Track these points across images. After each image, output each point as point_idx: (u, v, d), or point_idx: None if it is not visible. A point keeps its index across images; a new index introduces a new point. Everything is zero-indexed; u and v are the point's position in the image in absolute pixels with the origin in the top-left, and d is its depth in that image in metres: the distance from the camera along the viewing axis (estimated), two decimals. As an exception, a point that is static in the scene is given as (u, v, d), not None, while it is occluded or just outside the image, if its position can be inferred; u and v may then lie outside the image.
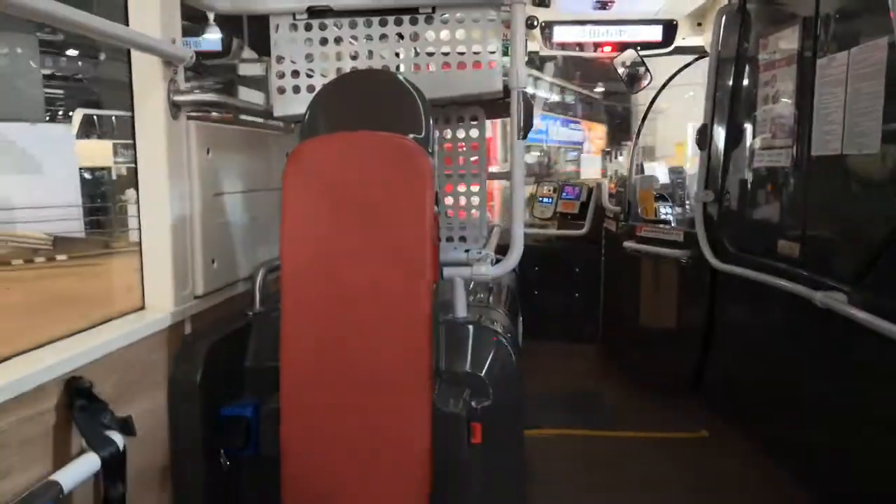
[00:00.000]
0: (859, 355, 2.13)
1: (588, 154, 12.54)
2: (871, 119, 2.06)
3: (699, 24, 4.04)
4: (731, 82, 3.19)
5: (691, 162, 5.25)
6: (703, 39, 4.11)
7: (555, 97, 13.60)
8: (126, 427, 1.44)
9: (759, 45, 2.96)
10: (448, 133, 2.31)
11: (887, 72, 1.99)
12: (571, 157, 13.19)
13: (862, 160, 2.15)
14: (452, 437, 1.71)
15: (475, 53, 1.98)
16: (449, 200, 2.35)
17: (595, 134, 14.93)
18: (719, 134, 3.31)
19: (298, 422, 1.68)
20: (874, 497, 2.03)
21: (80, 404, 1.37)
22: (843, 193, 2.34)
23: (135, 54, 1.73)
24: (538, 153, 12.93)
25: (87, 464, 1.34)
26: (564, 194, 5.01)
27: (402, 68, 2.03)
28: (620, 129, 12.49)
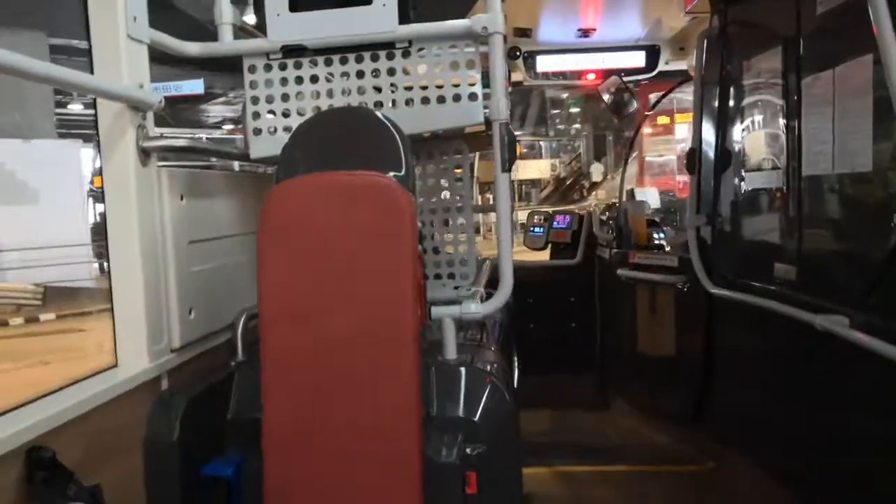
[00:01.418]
0: (864, 379, 2.05)
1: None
2: (862, 137, 2.02)
3: (682, 49, 4.04)
4: (717, 105, 3.16)
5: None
6: (686, 63, 4.11)
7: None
8: (94, 498, 1.35)
9: (742, 66, 2.94)
10: (432, 167, 2.26)
11: (874, 88, 1.95)
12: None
13: (856, 178, 2.10)
14: (446, 488, 1.61)
15: (455, 86, 1.94)
16: (436, 237, 2.28)
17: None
18: (709, 157, 3.28)
19: (281, 477, 1.59)
20: None
21: (41, 477, 1.28)
22: (838, 213, 2.29)
23: (100, 101, 1.68)
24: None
25: None
26: (555, 223, 4.96)
27: (381, 104, 1.98)
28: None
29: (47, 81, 1.41)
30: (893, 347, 1.76)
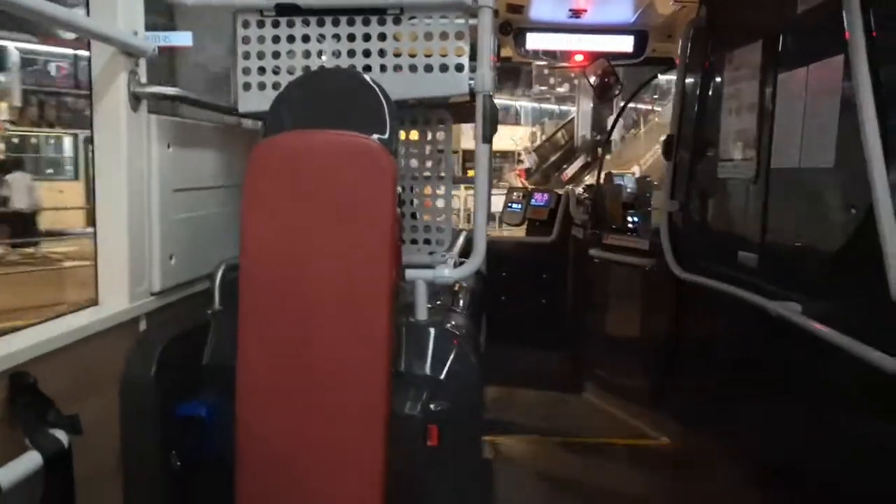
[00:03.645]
0: (815, 364, 2.17)
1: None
2: (827, 134, 2.11)
3: (669, 36, 4.10)
4: (697, 94, 3.23)
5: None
6: (673, 51, 4.17)
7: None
8: (72, 425, 1.41)
9: (724, 58, 3.01)
10: (415, 135, 2.31)
11: (842, 89, 2.04)
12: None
13: (818, 173, 2.20)
14: (409, 439, 1.70)
15: (442, 56, 1.98)
16: (415, 203, 2.34)
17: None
18: (686, 144, 3.36)
19: (253, 423, 1.67)
20: None
21: (23, 401, 1.34)
22: (800, 205, 2.39)
23: (95, 45, 1.70)
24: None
25: (29, 462, 1.31)
26: (534, 201, 5.04)
27: (369, 68, 2.02)
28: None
29: (43, 19, 1.43)
30: (839, 333, 1.86)
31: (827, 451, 2.11)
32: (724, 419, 2.87)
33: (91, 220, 1.80)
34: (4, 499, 1.21)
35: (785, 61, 2.45)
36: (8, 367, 1.33)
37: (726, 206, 3.04)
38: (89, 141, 1.81)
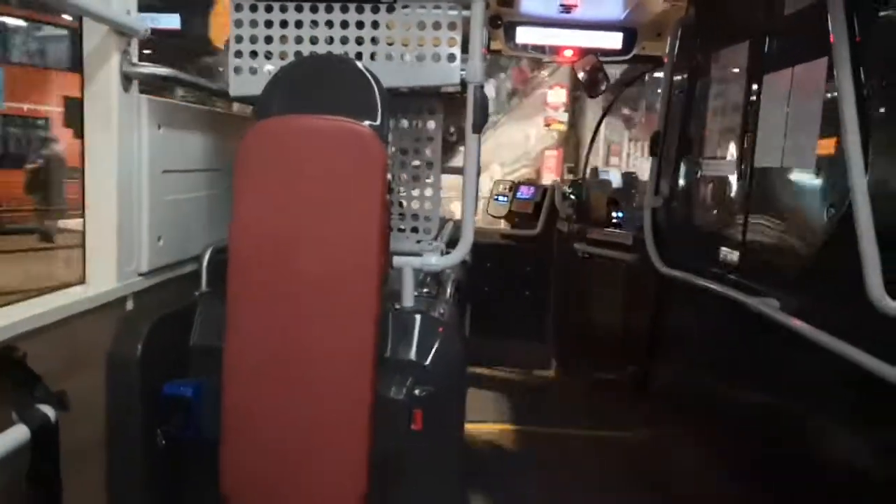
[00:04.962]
0: (793, 360, 2.22)
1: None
2: (809, 135, 2.16)
3: (658, 35, 4.13)
4: (684, 92, 3.28)
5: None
6: (662, 50, 4.21)
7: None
8: (59, 401, 1.42)
9: (711, 57, 3.05)
10: (405, 124, 2.33)
11: (825, 91, 2.08)
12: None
13: (799, 174, 2.25)
14: (393, 422, 1.73)
15: (435, 46, 2.00)
16: (403, 191, 2.36)
17: None
18: (671, 142, 3.40)
19: (240, 405, 1.68)
20: (816, 500, 2.11)
21: (11, 375, 1.34)
22: (781, 204, 2.44)
23: (87, 23, 1.70)
24: None
25: (16, 435, 1.32)
26: (519, 194, 5.06)
27: (361, 56, 2.04)
28: None
29: None
30: (816, 329, 1.92)
31: (802, 444, 2.16)
32: (701, 412, 2.92)
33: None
34: None
35: (770, 62, 2.50)
36: None
37: (709, 203, 3.09)
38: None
